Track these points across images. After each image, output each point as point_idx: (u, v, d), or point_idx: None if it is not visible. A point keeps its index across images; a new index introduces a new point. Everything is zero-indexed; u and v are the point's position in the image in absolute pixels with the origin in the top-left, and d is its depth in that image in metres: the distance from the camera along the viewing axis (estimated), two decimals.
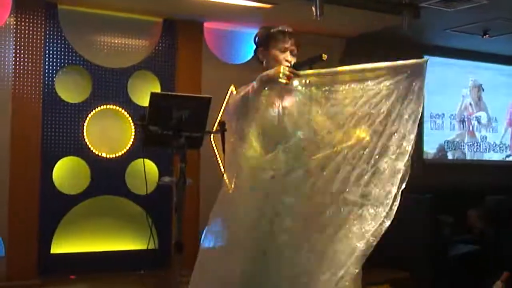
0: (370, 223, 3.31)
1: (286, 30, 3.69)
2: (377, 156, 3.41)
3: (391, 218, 3.30)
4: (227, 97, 7.26)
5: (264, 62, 3.73)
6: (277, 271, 3.46)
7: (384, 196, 3.33)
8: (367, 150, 3.43)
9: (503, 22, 7.68)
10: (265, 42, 3.72)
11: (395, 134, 3.40)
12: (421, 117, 9.52)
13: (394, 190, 3.31)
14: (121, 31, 7.04)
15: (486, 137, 9.84)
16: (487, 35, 8.12)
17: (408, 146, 3.37)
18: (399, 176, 3.33)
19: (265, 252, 3.50)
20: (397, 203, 3.30)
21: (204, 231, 3.90)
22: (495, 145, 9.95)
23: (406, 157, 3.35)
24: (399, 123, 3.41)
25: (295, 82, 3.62)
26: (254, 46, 3.80)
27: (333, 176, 3.46)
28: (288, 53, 3.65)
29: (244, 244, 3.56)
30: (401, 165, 3.34)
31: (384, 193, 3.33)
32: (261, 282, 3.49)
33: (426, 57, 3.56)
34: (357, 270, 3.25)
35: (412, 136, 3.39)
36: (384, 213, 3.30)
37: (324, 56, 3.54)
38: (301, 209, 3.49)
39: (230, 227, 3.73)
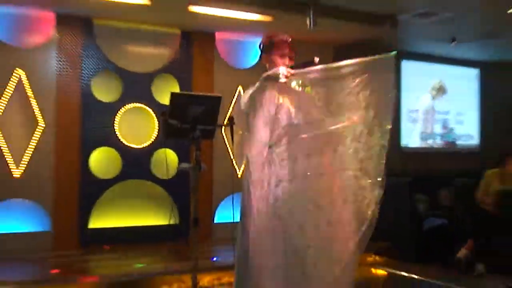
0: (370, 192, 3.36)
1: (286, 39, 3.74)
2: (367, 135, 3.43)
3: (383, 187, 3.35)
4: (235, 96, 7.31)
5: (267, 66, 3.78)
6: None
7: (377, 168, 3.37)
8: (358, 129, 3.46)
9: (468, 32, 7.65)
10: (268, 49, 3.76)
11: (377, 117, 3.42)
12: (398, 112, 9.52)
13: (383, 162, 3.35)
14: (146, 42, 7.05)
15: (453, 129, 9.81)
16: (454, 42, 8.09)
17: (388, 125, 3.39)
18: (385, 150, 3.37)
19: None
20: (384, 175, 3.36)
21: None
22: (462, 136, 9.90)
23: (388, 135, 3.38)
24: (377, 107, 3.43)
25: (293, 83, 3.67)
26: (259, 52, 3.85)
27: (333, 155, 3.50)
28: (287, 58, 3.70)
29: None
30: (385, 142, 3.38)
31: (377, 165, 3.37)
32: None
33: (393, 53, 3.51)
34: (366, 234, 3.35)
35: (389, 117, 3.42)
36: (379, 183, 3.35)
37: (316, 59, 3.56)
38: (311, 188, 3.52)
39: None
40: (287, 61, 3.71)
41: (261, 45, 3.82)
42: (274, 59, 3.72)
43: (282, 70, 3.55)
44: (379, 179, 3.38)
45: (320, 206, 3.45)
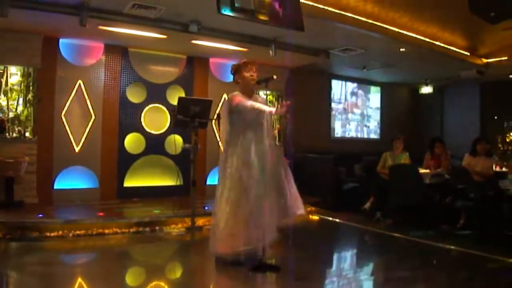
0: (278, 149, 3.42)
1: (247, 61, 3.71)
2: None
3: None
4: (222, 100, 7.28)
5: (239, 82, 3.74)
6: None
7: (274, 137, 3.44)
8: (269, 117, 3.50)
9: (374, 62, 7.73)
10: (238, 70, 3.72)
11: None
12: (329, 113, 9.48)
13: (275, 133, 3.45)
14: (163, 63, 6.95)
15: (366, 125, 9.87)
16: (365, 69, 8.15)
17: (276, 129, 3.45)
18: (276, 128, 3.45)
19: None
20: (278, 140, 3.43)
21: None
22: (369, 129, 9.96)
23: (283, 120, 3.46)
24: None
25: (261, 93, 3.67)
26: (232, 75, 3.80)
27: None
28: (251, 72, 3.67)
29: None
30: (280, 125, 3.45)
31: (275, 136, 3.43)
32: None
33: (275, 77, 3.55)
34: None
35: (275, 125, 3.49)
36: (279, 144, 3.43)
37: (274, 76, 3.55)
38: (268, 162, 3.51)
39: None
40: (252, 72, 3.68)
41: (232, 70, 3.78)
42: (244, 75, 3.69)
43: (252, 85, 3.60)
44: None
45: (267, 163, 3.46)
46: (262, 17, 4.15)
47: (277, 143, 7.77)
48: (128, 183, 6.68)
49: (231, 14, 4.05)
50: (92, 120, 6.35)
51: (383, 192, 6.05)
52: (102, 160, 6.42)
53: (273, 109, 3.35)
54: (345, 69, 8.60)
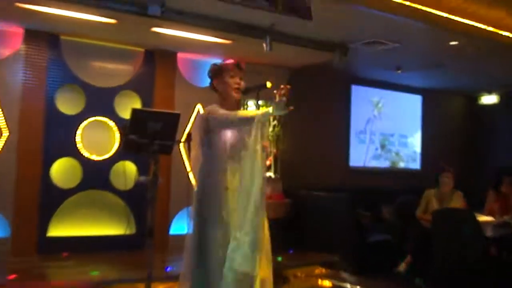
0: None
1: (232, 62, 3.76)
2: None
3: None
4: (194, 113, 7.30)
5: (219, 90, 3.77)
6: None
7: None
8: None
9: (412, 61, 7.84)
10: (218, 74, 3.76)
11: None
12: (347, 133, 9.64)
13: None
14: (110, 58, 7.00)
15: (400, 150, 9.99)
16: (400, 71, 8.26)
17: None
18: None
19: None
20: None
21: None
22: (405, 157, 10.08)
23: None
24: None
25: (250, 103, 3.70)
26: (209, 80, 3.85)
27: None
28: (237, 78, 3.72)
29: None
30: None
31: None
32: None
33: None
34: None
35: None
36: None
37: (269, 84, 3.58)
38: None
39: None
40: (237, 80, 3.72)
41: (210, 72, 3.83)
42: (225, 81, 3.73)
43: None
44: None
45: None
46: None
47: (274, 175, 7.81)
48: (55, 231, 6.61)
49: None
50: (2, 139, 6.32)
51: (424, 248, 6.05)
52: (16, 197, 6.36)
53: (269, 109, 3.37)
54: (371, 71, 8.71)
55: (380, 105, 9.63)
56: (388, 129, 9.78)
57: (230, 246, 3.43)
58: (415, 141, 10.18)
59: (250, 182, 3.43)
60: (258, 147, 3.40)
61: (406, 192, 7.68)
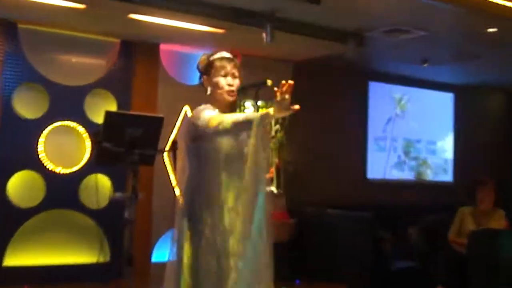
0: None
1: (225, 56, 3.72)
2: None
3: None
4: (181, 116, 7.30)
5: (208, 89, 3.74)
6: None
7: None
8: None
9: (441, 52, 7.82)
10: (207, 69, 3.74)
11: None
12: (364, 139, 9.66)
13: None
14: (79, 51, 7.01)
15: (428, 159, 9.98)
16: (426, 64, 8.26)
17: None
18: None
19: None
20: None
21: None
22: (432, 166, 10.07)
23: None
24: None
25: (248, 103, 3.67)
26: (199, 75, 3.81)
27: None
28: (229, 77, 3.68)
29: None
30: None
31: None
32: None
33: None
34: None
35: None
36: None
37: (269, 82, 3.56)
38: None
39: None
40: (230, 80, 3.68)
41: (199, 66, 3.80)
42: (215, 80, 3.69)
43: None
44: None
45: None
46: None
47: (276, 190, 7.78)
48: (13, 260, 6.57)
49: None
50: None
51: (458, 277, 6.03)
52: None
53: (270, 110, 3.31)
54: (392, 65, 8.72)
55: (403, 102, 9.64)
56: (413, 133, 9.80)
57: (230, 279, 3.40)
58: (446, 148, 10.20)
59: (251, 199, 3.41)
60: (259, 157, 3.38)
61: (435, 210, 7.68)
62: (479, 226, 6.34)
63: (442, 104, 10.16)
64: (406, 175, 9.73)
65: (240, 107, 7.33)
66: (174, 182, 7.17)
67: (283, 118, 7.42)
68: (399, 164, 9.66)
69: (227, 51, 3.78)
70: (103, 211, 6.72)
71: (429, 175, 10.00)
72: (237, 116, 3.43)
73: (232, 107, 3.81)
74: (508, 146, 10.64)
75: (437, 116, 10.09)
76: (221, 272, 3.43)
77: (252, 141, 3.33)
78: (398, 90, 9.58)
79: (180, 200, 3.67)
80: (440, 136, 10.14)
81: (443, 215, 7.05)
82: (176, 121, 7.26)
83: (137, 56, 7.28)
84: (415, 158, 9.84)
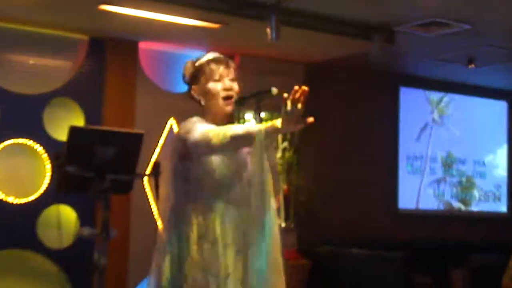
0: None
1: (215, 57, 3.73)
2: None
3: None
4: (165, 132, 7.35)
5: (201, 100, 3.75)
6: None
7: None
8: None
9: (491, 50, 7.88)
10: (195, 77, 3.75)
11: None
12: (395, 159, 9.70)
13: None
14: (38, 50, 7.04)
15: (475, 184, 10.02)
16: (472, 65, 8.31)
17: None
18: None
19: None
20: None
21: None
22: (481, 193, 10.11)
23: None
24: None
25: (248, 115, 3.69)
26: (186, 86, 3.82)
27: None
28: (224, 80, 3.70)
29: None
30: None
31: None
32: None
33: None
34: None
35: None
36: None
37: (274, 91, 3.59)
38: None
39: None
40: (226, 83, 3.71)
41: (185, 76, 3.79)
42: (208, 87, 3.69)
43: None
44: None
45: None
46: None
47: (284, 224, 7.82)
48: None
49: None
50: None
51: None
52: None
53: (277, 122, 3.30)
54: (428, 66, 8.76)
55: (442, 104, 9.68)
56: (456, 147, 9.83)
57: None
58: (499, 169, 10.22)
59: (256, 234, 3.44)
60: (265, 179, 3.41)
61: (485, 248, 7.71)
62: None
63: (493, 115, 10.21)
64: (447, 204, 9.75)
65: (239, 120, 7.47)
66: (156, 214, 7.22)
67: (292, 134, 7.47)
68: (438, 190, 9.69)
69: (223, 51, 3.83)
70: (66, 252, 6.72)
71: (477, 204, 10.02)
72: (235, 129, 3.37)
73: (229, 121, 3.85)
74: None
75: (486, 129, 10.12)
76: None
77: (254, 160, 3.40)
78: (436, 100, 9.63)
79: (162, 235, 3.70)
80: (491, 154, 10.17)
81: (495, 255, 7.07)
82: (159, 138, 7.32)
83: (109, 56, 7.33)
84: (459, 182, 9.86)
